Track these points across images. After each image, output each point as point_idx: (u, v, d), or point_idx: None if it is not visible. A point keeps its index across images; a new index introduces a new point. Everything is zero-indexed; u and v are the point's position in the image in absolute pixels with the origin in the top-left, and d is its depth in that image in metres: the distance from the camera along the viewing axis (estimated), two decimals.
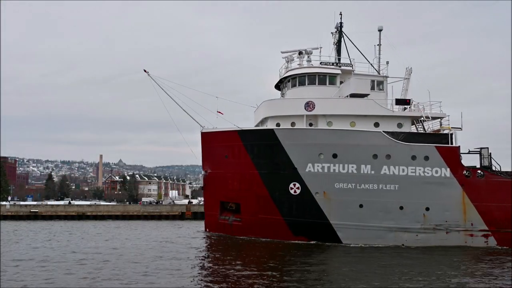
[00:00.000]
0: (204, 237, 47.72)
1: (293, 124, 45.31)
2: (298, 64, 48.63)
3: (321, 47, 48.81)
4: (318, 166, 42.35)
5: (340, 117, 44.14)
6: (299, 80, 47.63)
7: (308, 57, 48.39)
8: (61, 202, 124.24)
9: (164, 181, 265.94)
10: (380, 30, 49.88)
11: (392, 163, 41.53)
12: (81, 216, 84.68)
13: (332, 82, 47.10)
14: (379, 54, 49.60)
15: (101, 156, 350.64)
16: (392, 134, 41.95)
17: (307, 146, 42.57)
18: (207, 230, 49.26)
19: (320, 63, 47.85)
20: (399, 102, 44.51)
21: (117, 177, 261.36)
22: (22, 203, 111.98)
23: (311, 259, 33.93)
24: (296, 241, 42.62)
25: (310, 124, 44.89)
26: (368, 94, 44.84)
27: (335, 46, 51.10)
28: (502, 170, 43.37)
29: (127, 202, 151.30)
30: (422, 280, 26.86)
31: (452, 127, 44.46)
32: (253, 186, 44.76)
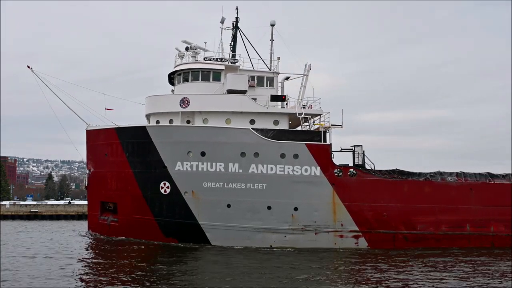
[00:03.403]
0: (82, 238, 46.52)
1: (171, 121, 43.92)
2: (182, 60, 47.20)
3: (205, 42, 47.35)
4: (187, 164, 40.95)
5: (216, 114, 42.70)
6: (184, 76, 46.18)
7: (193, 52, 46.90)
8: (61, 202, 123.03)
9: None
10: (272, 25, 48.34)
11: (260, 162, 40.10)
12: (81, 216, 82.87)
13: (216, 78, 45.56)
14: (271, 49, 48.16)
15: None
16: (261, 131, 40.50)
17: (177, 144, 41.18)
18: (90, 230, 47.92)
19: (204, 58, 46.37)
20: (274, 98, 42.98)
21: None
22: (22, 202, 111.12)
23: (174, 262, 32.82)
24: (167, 243, 41.27)
25: (188, 121, 43.49)
26: (246, 91, 43.33)
27: (231, 42, 49.76)
28: (376, 168, 41.87)
29: None
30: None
31: (332, 125, 43.08)
32: (128, 186, 43.40)
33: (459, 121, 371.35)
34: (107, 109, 47.20)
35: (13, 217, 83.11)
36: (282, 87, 48.02)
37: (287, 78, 48.37)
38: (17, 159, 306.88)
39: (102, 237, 44.94)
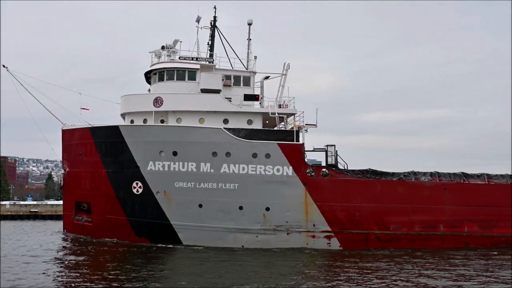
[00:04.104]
0: (57, 238, 46.31)
1: (145, 120, 43.64)
2: (159, 59, 46.89)
3: (180, 41, 46.99)
4: (159, 164, 40.67)
5: (190, 113, 42.42)
6: (159, 75, 45.85)
7: (168, 51, 46.59)
8: (61, 202, 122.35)
9: None
10: (249, 24, 48.12)
11: (232, 161, 39.80)
12: None
13: (191, 78, 45.19)
14: (248, 48, 47.92)
15: None
16: (233, 131, 40.21)
17: (149, 144, 40.91)
18: (65, 231, 47.63)
19: (179, 57, 46.07)
20: (247, 97, 42.71)
21: None
22: (22, 202, 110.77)
23: (143, 263, 32.54)
24: (139, 243, 41.01)
25: (162, 121, 43.22)
26: (220, 90, 43.03)
27: (209, 41, 49.47)
28: (349, 168, 41.60)
29: None
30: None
31: (306, 124, 42.83)
32: (101, 186, 43.12)
33: (460, 121, 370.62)
34: (83, 108, 46.97)
35: (13, 217, 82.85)
36: (262, 87, 47.70)
37: (267, 77, 48.02)
38: (17, 159, 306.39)
39: (76, 237, 44.70)
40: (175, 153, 40.31)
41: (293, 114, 42.92)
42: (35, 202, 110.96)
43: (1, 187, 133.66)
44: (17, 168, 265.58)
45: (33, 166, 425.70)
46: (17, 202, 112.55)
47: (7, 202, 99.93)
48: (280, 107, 43.77)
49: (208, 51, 48.72)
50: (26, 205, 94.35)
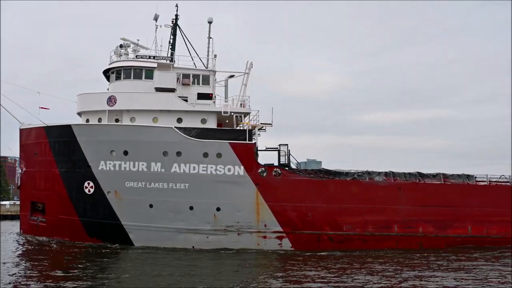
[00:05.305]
0: (10, 239, 45.72)
1: (100, 119, 43.09)
2: (119, 58, 46.37)
3: (137, 40, 46.53)
4: (110, 164, 40.16)
5: (144, 112, 41.87)
6: (117, 74, 45.37)
7: (126, 50, 46.08)
8: None
9: None
10: (210, 22, 47.61)
11: (182, 161, 39.29)
12: None
13: (148, 76, 44.55)
14: (208, 47, 47.39)
15: None
16: (184, 130, 39.71)
17: (100, 143, 40.40)
18: (21, 231, 47.07)
19: (136, 56, 45.58)
20: (201, 96, 42.19)
21: None
22: None
23: (92, 264, 32.00)
24: (91, 243, 40.49)
25: (117, 120, 42.70)
26: (174, 89, 42.51)
27: (170, 39, 48.94)
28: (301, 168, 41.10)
29: None
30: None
31: (262, 123, 42.40)
32: (54, 186, 42.64)
33: (460, 121, 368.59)
34: (42, 107, 46.46)
35: (13, 217, 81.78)
36: (226, 86, 47.27)
37: (231, 76, 47.59)
38: (17, 159, 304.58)
39: (30, 238, 44.13)
40: (126, 153, 39.81)
41: (248, 113, 42.40)
42: None
43: (1, 187, 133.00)
44: (17, 168, 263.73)
45: None
46: (17, 202, 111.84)
47: (7, 202, 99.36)
48: (242, 106, 43.34)
49: (170, 50, 48.26)
50: None
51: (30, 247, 40.39)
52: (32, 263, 32.41)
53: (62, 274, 27.80)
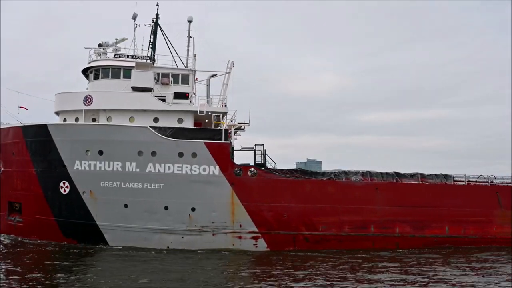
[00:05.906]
0: None
1: (77, 119, 42.87)
2: (99, 57, 46.16)
3: (116, 39, 46.28)
4: (85, 163, 39.95)
5: (120, 112, 41.66)
6: (95, 73, 45.18)
7: (104, 49, 45.88)
8: None
9: None
10: (190, 21, 47.40)
11: (157, 161, 39.08)
12: None
13: (126, 76, 44.35)
14: (188, 46, 47.18)
15: None
16: (159, 129, 39.50)
17: (75, 143, 40.20)
18: None
19: (114, 55, 45.35)
20: (177, 96, 42.01)
21: None
22: None
23: (67, 264, 32.12)
24: (67, 243, 40.31)
25: (94, 120, 42.50)
26: (151, 88, 42.29)
27: (151, 38, 48.73)
28: (278, 168, 40.88)
29: None
30: None
31: (239, 123, 42.23)
32: (31, 186, 42.41)
33: (461, 120, 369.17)
34: (21, 107, 46.28)
35: None
36: (208, 85, 47.13)
37: (214, 75, 47.39)
38: None
39: (3, 238, 43.84)
40: (101, 152, 39.61)
41: (225, 112, 42.19)
42: None
43: None
44: None
45: None
46: None
47: None
48: (225, 106, 43.16)
49: (150, 50, 48.05)
50: None
51: (4, 248, 40.09)
52: (5, 264, 32.18)
53: (36, 275, 27.58)
